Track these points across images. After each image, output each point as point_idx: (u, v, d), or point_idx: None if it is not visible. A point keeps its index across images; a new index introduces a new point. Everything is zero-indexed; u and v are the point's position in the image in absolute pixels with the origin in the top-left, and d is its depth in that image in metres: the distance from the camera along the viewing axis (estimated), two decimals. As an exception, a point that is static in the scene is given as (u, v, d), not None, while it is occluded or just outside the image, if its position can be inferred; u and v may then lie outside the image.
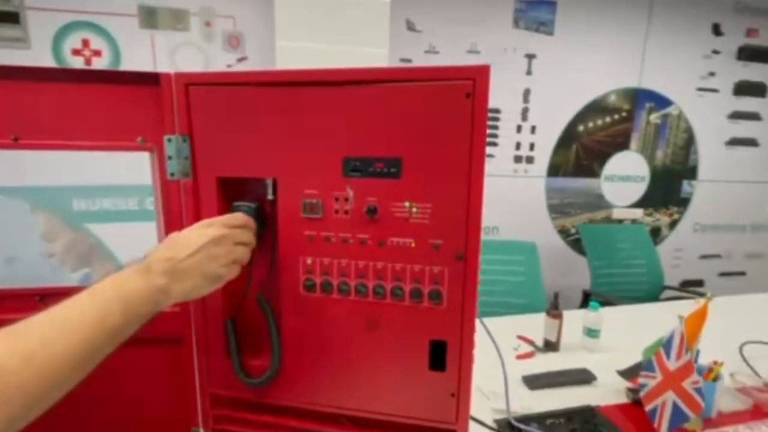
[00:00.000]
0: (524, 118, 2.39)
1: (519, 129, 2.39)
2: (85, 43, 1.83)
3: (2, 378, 0.34)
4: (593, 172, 2.54)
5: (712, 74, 2.54)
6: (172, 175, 0.61)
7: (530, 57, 2.32)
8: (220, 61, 1.97)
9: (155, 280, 0.46)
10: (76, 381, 0.39)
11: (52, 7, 1.77)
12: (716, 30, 2.49)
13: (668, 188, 2.65)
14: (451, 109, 0.52)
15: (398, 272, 0.57)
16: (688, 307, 0.90)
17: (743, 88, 2.60)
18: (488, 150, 0.52)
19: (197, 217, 0.61)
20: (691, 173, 2.67)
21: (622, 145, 2.54)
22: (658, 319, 1.13)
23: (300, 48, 1.71)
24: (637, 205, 2.64)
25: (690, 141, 2.62)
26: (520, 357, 1.21)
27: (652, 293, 2.24)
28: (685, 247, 2.75)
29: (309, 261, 0.59)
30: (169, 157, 0.60)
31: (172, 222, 0.62)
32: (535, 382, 1.06)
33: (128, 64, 1.87)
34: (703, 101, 2.57)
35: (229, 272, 0.52)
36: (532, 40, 2.30)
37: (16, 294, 0.64)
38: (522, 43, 2.29)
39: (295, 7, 1.70)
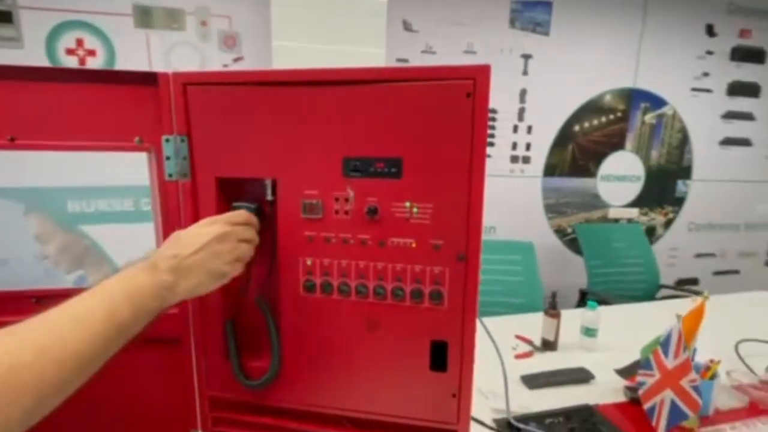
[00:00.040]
0: (521, 118, 2.39)
1: (515, 129, 2.40)
2: (79, 42, 1.82)
3: (17, 372, 0.34)
4: (589, 172, 2.55)
5: (706, 74, 2.56)
6: (170, 175, 0.60)
7: (526, 57, 2.33)
8: (216, 61, 1.96)
9: (161, 276, 0.46)
10: (86, 377, 0.40)
11: (45, 7, 1.75)
12: (710, 31, 2.51)
13: (663, 188, 2.67)
14: (451, 109, 0.52)
15: (399, 273, 0.57)
16: (684, 305, 0.91)
17: (736, 89, 2.62)
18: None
19: (196, 218, 0.60)
20: (686, 173, 2.69)
21: (618, 145, 2.55)
22: (654, 318, 1.14)
23: (297, 48, 1.70)
24: (633, 204, 2.66)
25: (684, 141, 2.64)
26: (518, 357, 1.21)
27: (649, 292, 2.25)
28: (680, 246, 2.77)
29: (309, 262, 0.59)
30: (167, 158, 0.60)
31: (170, 223, 0.62)
32: (533, 381, 1.07)
33: (123, 64, 1.85)
34: (698, 101, 2.59)
35: (233, 269, 0.52)
36: (528, 41, 2.31)
37: (11, 296, 0.63)
38: (518, 43, 2.30)
39: (292, 7, 1.70)
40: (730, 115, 2.66)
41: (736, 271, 2.90)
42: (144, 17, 1.86)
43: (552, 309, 1.25)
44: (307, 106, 0.56)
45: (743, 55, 2.59)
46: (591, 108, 2.46)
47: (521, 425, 0.87)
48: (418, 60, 2.18)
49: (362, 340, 0.59)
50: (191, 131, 0.59)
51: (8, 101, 0.56)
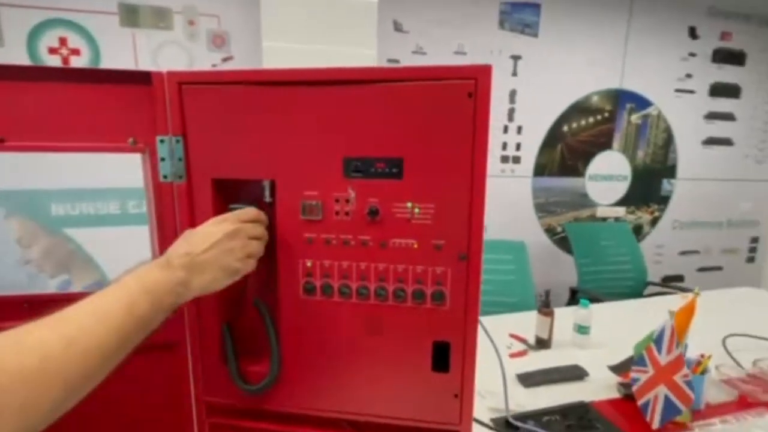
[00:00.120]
0: (510, 118, 2.41)
1: (506, 129, 2.42)
2: (62, 41, 1.77)
3: (49, 363, 0.35)
4: (578, 172, 2.59)
5: (689, 76, 2.62)
6: (165, 177, 0.59)
7: (516, 58, 2.35)
8: (204, 61, 1.93)
9: (175, 272, 0.47)
10: (107, 371, 0.41)
11: (26, 4, 1.70)
12: (692, 33, 2.58)
13: (649, 187, 2.73)
14: (452, 109, 0.52)
15: (400, 273, 0.57)
16: (673, 302, 0.93)
17: (718, 90, 2.69)
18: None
19: (191, 221, 0.59)
20: (671, 172, 2.74)
21: (605, 145, 2.60)
22: (644, 315, 1.16)
23: (287, 48, 1.69)
24: (620, 203, 2.70)
25: (669, 140, 2.69)
26: (513, 355, 1.22)
27: (636, 289, 2.29)
28: (665, 243, 2.83)
29: (309, 263, 0.58)
30: (162, 159, 0.58)
31: (165, 226, 0.60)
32: (529, 379, 1.07)
33: (108, 63, 1.81)
34: (681, 102, 2.65)
35: (246, 266, 0.53)
36: (517, 42, 2.33)
37: (3, 301, 0.61)
38: (507, 44, 2.32)
39: (282, 7, 1.68)
40: (712, 116, 2.72)
41: (719, 268, 2.97)
42: (130, 16, 1.82)
43: (545, 307, 1.26)
44: (307, 106, 0.55)
45: (724, 57, 2.65)
46: (579, 108, 2.49)
47: (520, 423, 0.88)
48: (408, 61, 2.18)
49: (363, 342, 0.59)
50: (187, 132, 0.58)
51: (-4, 101, 0.54)
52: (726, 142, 2.79)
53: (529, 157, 2.48)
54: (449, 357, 0.57)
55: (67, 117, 0.56)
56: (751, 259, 3.03)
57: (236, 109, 0.56)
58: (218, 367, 0.62)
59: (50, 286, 1.85)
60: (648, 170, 2.70)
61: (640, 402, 0.92)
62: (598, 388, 1.05)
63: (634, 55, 2.50)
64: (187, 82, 0.56)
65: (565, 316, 1.29)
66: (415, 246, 0.56)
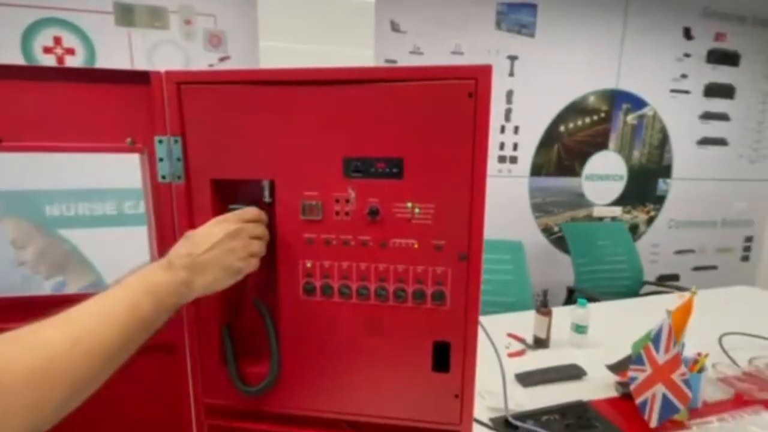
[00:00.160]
0: (507, 118, 2.42)
1: (503, 129, 2.42)
2: (57, 40, 1.76)
3: (54, 363, 0.36)
4: (574, 172, 2.60)
5: (684, 76, 2.64)
6: (163, 177, 0.58)
7: (512, 58, 2.36)
8: (201, 61, 1.92)
9: (177, 273, 0.47)
10: (110, 371, 0.41)
11: (20, 3, 1.69)
12: (687, 34, 2.59)
13: (645, 186, 2.74)
14: (453, 109, 0.52)
15: (401, 274, 0.56)
16: (669, 301, 0.93)
17: (713, 90, 2.71)
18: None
19: (190, 222, 0.58)
20: (666, 172, 2.76)
21: (601, 145, 2.61)
22: (641, 314, 1.16)
23: (284, 48, 1.68)
24: (616, 203, 2.72)
25: (664, 141, 2.71)
26: (511, 355, 1.22)
27: (633, 288, 2.31)
28: (661, 243, 2.85)
29: (309, 264, 0.58)
30: (160, 159, 0.58)
31: (164, 226, 0.60)
32: (527, 379, 1.07)
33: (104, 63, 1.80)
34: (676, 102, 2.67)
35: (248, 265, 0.53)
36: (514, 42, 2.34)
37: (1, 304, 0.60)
38: (504, 44, 2.33)
39: (279, 7, 1.68)
40: (707, 116, 2.75)
41: (714, 267, 3.00)
42: (125, 15, 1.81)
43: (543, 307, 1.26)
44: (307, 105, 0.55)
45: (718, 57, 2.68)
46: (575, 109, 2.50)
47: (519, 423, 0.88)
48: (406, 61, 2.18)
49: (364, 343, 0.59)
50: (185, 132, 0.57)
51: (-8, 101, 0.53)
52: (720, 142, 2.81)
53: (526, 157, 2.49)
54: (450, 357, 0.57)
55: (64, 117, 0.55)
56: (745, 258, 3.06)
57: (235, 109, 0.56)
58: (218, 368, 0.62)
59: (45, 287, 1.83)
60: (644, 170, 2.71)
61: (638, 400, 0.93)
62: (596, 387, 1.05)
63: (629, 55, 2.52)
64: (185, 82, 0.56)
65: (563, 316, 1.30)
66: (416, 246, 0.56)
